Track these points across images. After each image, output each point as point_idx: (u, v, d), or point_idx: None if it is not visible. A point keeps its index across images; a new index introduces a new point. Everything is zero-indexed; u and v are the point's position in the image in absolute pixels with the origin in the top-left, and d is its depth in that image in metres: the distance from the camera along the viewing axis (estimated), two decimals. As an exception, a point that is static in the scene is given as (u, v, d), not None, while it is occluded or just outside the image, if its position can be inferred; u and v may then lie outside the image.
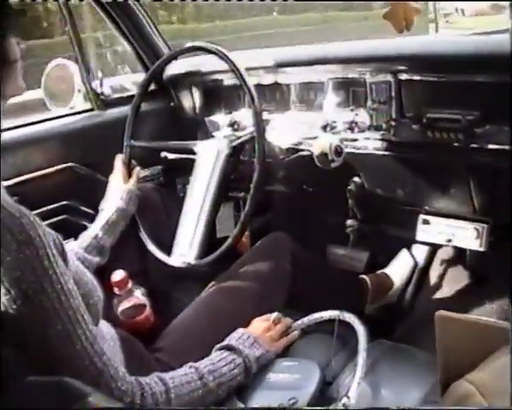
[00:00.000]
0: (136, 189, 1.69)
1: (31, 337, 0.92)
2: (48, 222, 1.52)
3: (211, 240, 1.64)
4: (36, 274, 0.91)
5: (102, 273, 1.29)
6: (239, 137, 1.70)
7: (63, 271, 0.96)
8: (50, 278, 0.92)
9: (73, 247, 1.51)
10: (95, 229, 1.56)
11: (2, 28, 0.99)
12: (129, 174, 1.73)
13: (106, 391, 0.96)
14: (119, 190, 1.65)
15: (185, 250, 1.62)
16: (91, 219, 1.67)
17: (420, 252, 2.03)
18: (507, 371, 0.67)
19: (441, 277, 1.99)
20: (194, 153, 1.74)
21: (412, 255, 2.02)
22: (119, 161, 1.74)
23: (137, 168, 1.76)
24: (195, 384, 1.10)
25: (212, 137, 1.80)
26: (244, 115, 1.86)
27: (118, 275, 1.39)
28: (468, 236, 1.64)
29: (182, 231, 1.65)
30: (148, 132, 1.91)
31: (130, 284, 1.41)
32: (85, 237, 1.54)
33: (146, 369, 1.13)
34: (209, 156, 1.69)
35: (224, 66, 1.60)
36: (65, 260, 1.00)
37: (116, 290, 1.39)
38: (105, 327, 1.21)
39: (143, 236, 1.66)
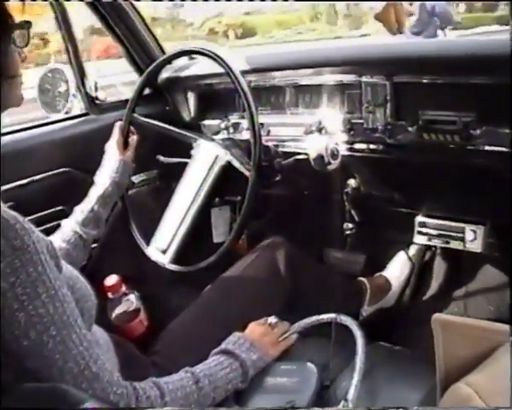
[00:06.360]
0: (131, 160, 1.69)
1: (25, 343, 0.91)
2: (43, 227, 1.51)
3: (203, 244, 1.64)
4: (30, 280, 0.90)
5: (96, 277, 1.28)
6: (238, 145, 1.70)
7: (56, 276, 0.96)
8: (44, 283, 0.92)
9: (69, 223, 1.52)
10: (90, 202, 1.56)
11: (3, 42, 0.98)
12: (126, 144, 1.71)
13: (102, 395, 0.96)
14: (114, 162, 1.64)
15: (163, 246, 1.64)
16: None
17: (417, 254, 2.03)
18: (505, 372, 0.67)
19: (439, 279, 1.99)
20: (190, 156, 1.73)
21: (410, 258, 2.01)
22: (117, 128, 1.71)
23: (134, 137, 1.73)
24: (191, 388, 1.09)
25: (212, 140, 1.78)
26: (240, 119, 1.85)
27: (111, 279, 1.39)
28: (465, 237, 1.64)
29: (164, 226, 1.67)
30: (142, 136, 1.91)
31: (123, 289, 1.40)
32: (81, 212, 1.54)
33: (142, 372, 1.12)
34: (206, 160, 1.68)
35: (218, 69, 1.60)
36: (58, 265, 0.99)
37: (109, 295, 1.38)
38: (98, 332, 1.20)
39: (137, 238, 1.66)
